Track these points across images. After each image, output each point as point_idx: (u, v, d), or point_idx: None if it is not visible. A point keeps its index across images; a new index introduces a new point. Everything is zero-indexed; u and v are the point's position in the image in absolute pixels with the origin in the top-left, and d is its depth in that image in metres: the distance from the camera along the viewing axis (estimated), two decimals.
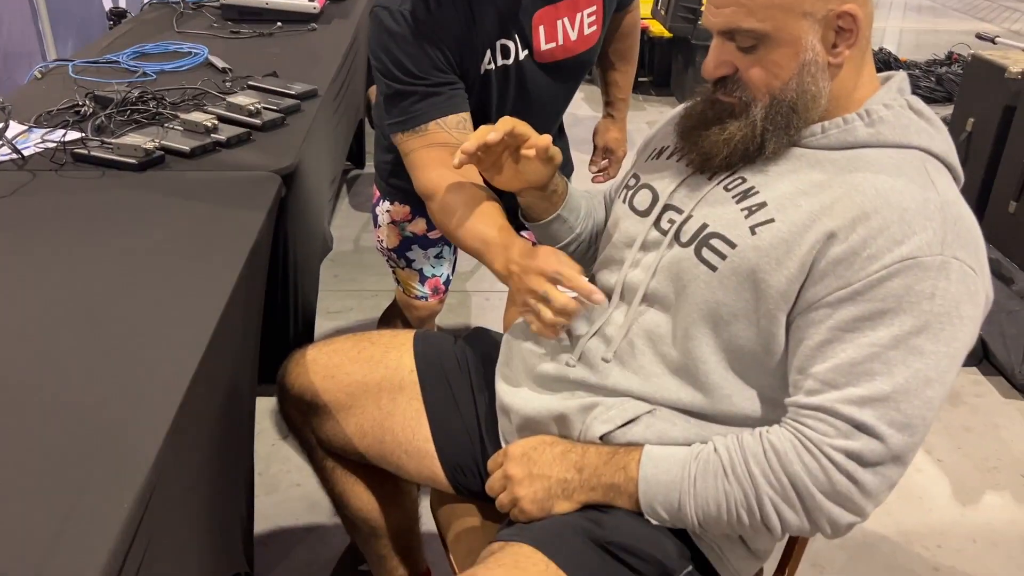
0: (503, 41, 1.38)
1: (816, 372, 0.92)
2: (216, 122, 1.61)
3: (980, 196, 2.88)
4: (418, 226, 1.69)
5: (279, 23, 2.43)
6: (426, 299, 1.78)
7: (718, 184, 1.03)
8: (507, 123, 1.08)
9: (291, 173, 1.52)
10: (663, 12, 4.59)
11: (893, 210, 0.89)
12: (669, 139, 1.15)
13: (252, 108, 1.68)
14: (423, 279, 1.75)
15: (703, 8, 1.01)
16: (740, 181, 1.01)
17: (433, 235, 1.70)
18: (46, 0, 3.26)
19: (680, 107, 1.15)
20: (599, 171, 1.91)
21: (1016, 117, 2.75)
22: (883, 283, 0.88)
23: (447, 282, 1.79)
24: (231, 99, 1.73)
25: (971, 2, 7.59)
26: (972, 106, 2.98)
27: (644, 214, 1.10)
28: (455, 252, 1.79)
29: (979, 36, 3.52)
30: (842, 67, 0.97)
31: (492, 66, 1.39)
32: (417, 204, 1.59)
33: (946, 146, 0.98)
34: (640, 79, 4.85)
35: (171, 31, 2.34)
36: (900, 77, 1.02)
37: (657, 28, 4.58)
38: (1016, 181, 2.70)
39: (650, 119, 4.41)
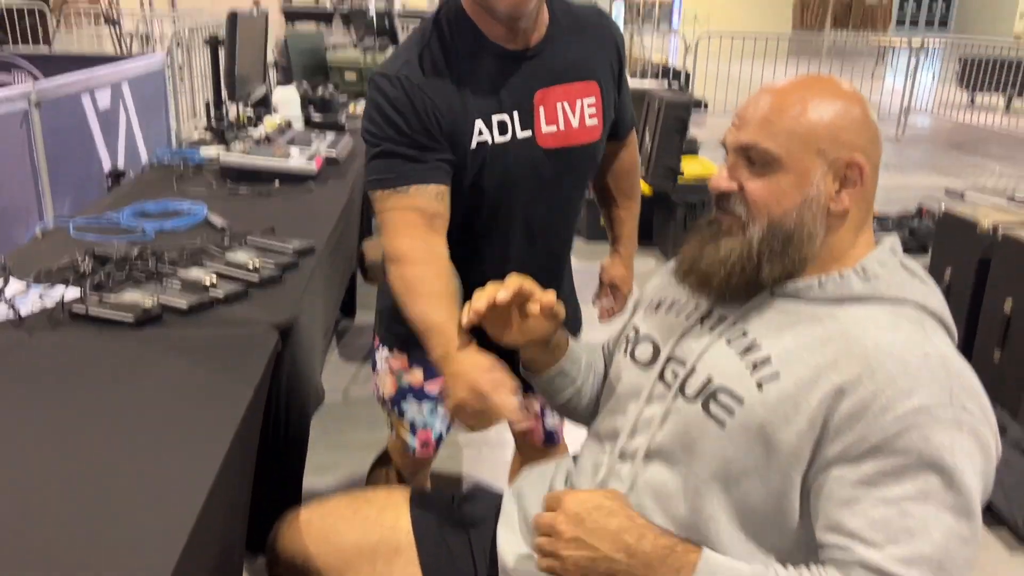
0: (498, 116, 1.40)
1: (850, 529, 0.90)
2: (214, 279, 1.63)
3: (963, 346, 2.93)
4: (415, 377, 1.68)
5: (277, 182, 2.50)
6: (414, 452, 1.74)
7: (720, 337, 1.04)
8: (515, 281, 1.11)
9: (288, 328, 1.53)
10: (644, 170, 4.79)
11: (896, 363, 0.91)
12: (667, 292, 1.18)
13: (250, 265, 1.70)
14: (414, 430, 1.72)
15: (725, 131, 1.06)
16: (742, 335, 1.02)
17: (429, 388, 1.69)
18: (47, 160, 3.37)
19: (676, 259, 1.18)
20: (605, 308, 1.91)
21: (992, 269, 2.83)
22: (900, 437, 0.88)
23: (439, 438, 1.75)
24: (229, 256, 1.76)
25: (934, 160, 7.98)
26: (948, 259, 3.08)
27: (647, 366, 1.11)
28: None
29: (948, 192, 3.68)
30: (843, 218, 1.00)
31: (487, 140, 1.40)
32: (416, 352, 1.57)
33: (940, 304, 1.01)
34: None
35: (171, 191, 2.41)
36: (892, 239, 1.06)
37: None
38: (998, 330, 2.75)
39: (635, 270, 4.50)
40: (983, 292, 2.88)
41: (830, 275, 1.01)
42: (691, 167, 4.69)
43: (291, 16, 7.66)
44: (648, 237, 5.06)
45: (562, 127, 1.45)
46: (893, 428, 0.89)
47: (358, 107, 4.14)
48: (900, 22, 29.32)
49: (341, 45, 5.14)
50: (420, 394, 1.69)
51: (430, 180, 1.35)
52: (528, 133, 1.43)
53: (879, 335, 0.94)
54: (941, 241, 3.18)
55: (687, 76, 9.71)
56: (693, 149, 5.01)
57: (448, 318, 1.23)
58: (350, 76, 4.44)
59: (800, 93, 1.00)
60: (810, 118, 0.98)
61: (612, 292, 1.92)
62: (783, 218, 0.99)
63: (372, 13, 4.90)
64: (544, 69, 1.43)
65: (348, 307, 3.71)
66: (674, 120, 4.54)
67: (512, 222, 1.50)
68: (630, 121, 1.70)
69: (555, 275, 1.64)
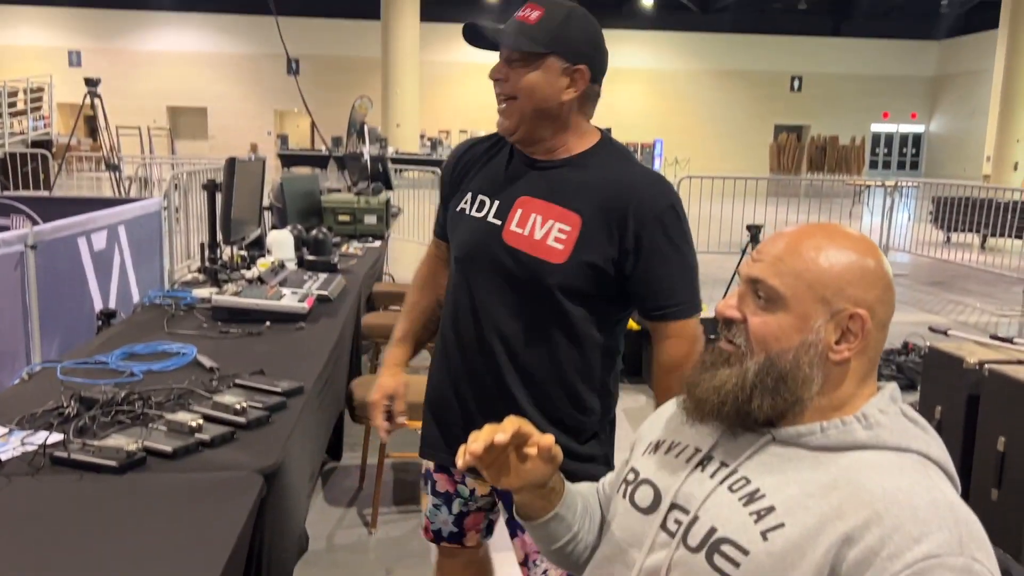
0: (482, 196, 1.64)
1: None
2: (201, 422, 1.61)
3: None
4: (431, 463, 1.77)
5: (268, 322, 2.51)
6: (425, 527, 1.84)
7: (722, 484, 1.02)
8: (513, 423, 1.10)
9: (273, 473, 1.50)
10: None
11: (903, 509, 0.89)
12: (665, 433, 1.16)
13: (238, 407, 1.69)
14: (429, 512, 1.82)
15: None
16: (744, 483, 1.01)
17: (440, 486, 1.74)
18: (39, 302, 3.38)
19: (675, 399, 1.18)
20: None
21: (981, 406, 2.83)
22: None
23: (437, 532, 1.78)
24: (217, 398, 1.75)
25: (915, 297, 8.12)
26: (936, 395, 3.08)
27: (648, 511, 1.09)
28: (460, 522, 1.76)
29: (932, 329, 3.72)
30: (843, 368, 1.01)
31: (466, 209, 1.65)
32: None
33: (942, 454, 1.00)
34: None
35: (161, 332, 2.41)
36: (892, 387, 1.06)
37: None
38: (994, 469, 2.71)
39: (624, 407, 4.47)
40: (975, 428, 2.86)
41: (831, 421, 1.01)
42: None
43: (287, 160, 7.91)
44: (637, 373, 5.07)
45: (526, 233, 1.56)
46: (903, 575, 0.86)
47: (351, 247, 4.23)
48: (873, 165, 30.59)
49: (335, 189, 5.30)
50: (433, 486, 1.77)
51: (436, 231, 1.82)
52: (499, 222, 1.60)
53: (885, 480, 0.93)
54: (929, 378, 3.18)
55: None
56: None
57: (403, 334, 1.80)
58: (343, 218, 4.55)
59: (818, 240, 1.03)
60: (821, 265, 1.00)
61: None
62: (779, 356, 1.00)
63: (366, 158, 5.08)
64: (541, 183, 1.58)
65: (335, 449, 3.63)
66: None
67: (469, 299, 1.63)
68: (665, 303, 1.54)
69: (502, 394, 1.59)
